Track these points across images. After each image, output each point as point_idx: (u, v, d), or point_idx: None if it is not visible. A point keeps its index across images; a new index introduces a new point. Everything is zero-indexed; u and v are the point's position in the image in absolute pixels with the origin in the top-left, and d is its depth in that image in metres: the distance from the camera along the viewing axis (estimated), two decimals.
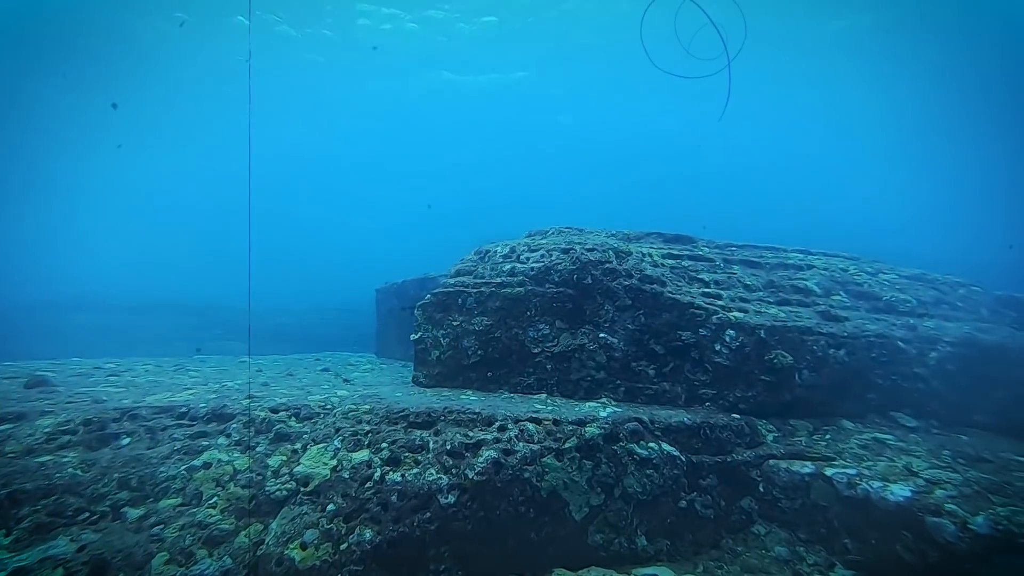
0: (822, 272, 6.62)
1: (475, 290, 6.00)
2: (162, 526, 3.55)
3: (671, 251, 6.56)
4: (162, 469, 3.99)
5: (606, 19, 29.59)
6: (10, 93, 30.46)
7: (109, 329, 19.48)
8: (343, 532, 3.49)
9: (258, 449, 4.26)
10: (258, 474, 3.99)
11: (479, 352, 5.82)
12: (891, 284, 6.70)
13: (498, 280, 6.04)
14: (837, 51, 30.03)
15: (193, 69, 32.58)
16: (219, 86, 34.81)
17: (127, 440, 4.34)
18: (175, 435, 4.41)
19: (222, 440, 4.36)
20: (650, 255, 6.19)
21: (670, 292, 5.54)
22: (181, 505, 3.75)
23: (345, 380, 6.61)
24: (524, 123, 44.62)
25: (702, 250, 6.83)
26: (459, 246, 7.34)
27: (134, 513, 3.66)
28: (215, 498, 3.81)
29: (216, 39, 29.73)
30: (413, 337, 6.18)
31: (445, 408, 4.41)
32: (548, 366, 5.60)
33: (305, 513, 3.64)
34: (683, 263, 6.29)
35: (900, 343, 5.45)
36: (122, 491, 3.81)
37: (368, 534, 3.46)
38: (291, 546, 3.39)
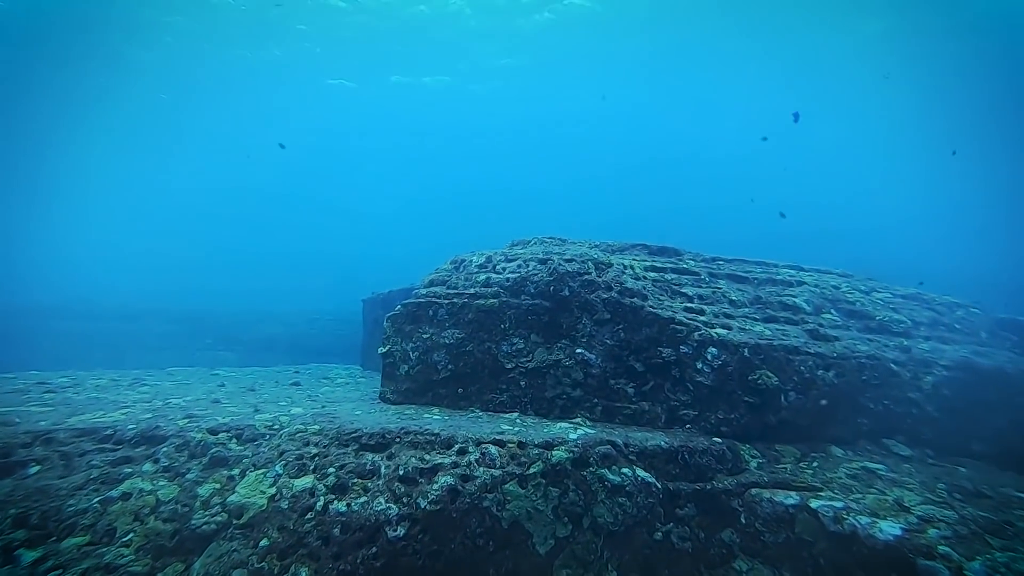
0: (812, 289, 6.33)
1: (447, 301, 5.70)
2: (60, 571, 3.14)
3: (654, 263, 6.27)
4: (71, 502, 3.56)
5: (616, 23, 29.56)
6: None
7: (97, 338, 19.08)
8: (276, 571, 3.15)
9: (188, 476, 3.85)
10: (184, 505, 3.60)
11: (450, 367, 5.51)
12: (885, 303, 6.42)
13: (472, 291, 5.74)
14: (844, 58, 29.95)
15: (188, 76, 32.35)
16: (215, 94, 34.67)
17: (35, 468, 3.89)
18: (93, 461, 3.97)
19: (148, 466, 3.95)
20: (632, 267, 5.90)
21: (651, 306, 5.24)
22: (88, 544, 3.33)
23: (309, 396, 6.26)
24: (528, 130, 44.53)
25: (687, 263, 6.54)
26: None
27: (29, 556, 3.22)
28: (130, 535, 3.41)
29: (213, 43, 29.55)
30: (381, 350, 5.87)
31: (401, 429, 4.08)
32: (522, 383, 5.29)
33: (235, 550, 3.29)
34: (666, 276, 6.00)
35: (893, 365, 5.16)
36: (18, 530, 3.36)
37: (304, 573, 3.12)
38: None
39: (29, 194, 44.15)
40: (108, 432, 4.33)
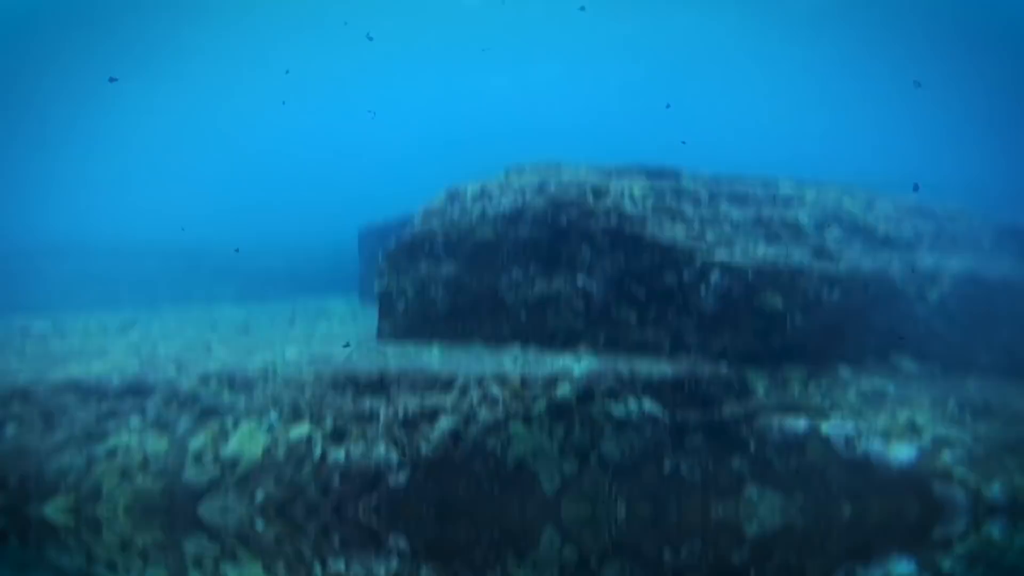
0: (814, 205, 6.11)
1: (443, 235, 5.49)
2: (48, 534, 3.06)
3: (653, 187, 6.01)
4: (53, 462, 3.42)
5: None
6: None
7: (89, 276, 18.75)
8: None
9: (178, 428, 3.71)
10: (175, 460, 3.49)
11: (448, 302, 5.37)
12: (887, 216, 6.21)
13: (468, 223, 5.52)
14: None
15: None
16: (211, 19, 33.14)
17: (12, 428, 3.71)
18: (76, 417, 3.78)
19: (135, 420, 3.77)
20: (630, 192, 5.65)
21: (651, 232, 5.05)
22: (73, 506, 3.23)
23: (305, 335, 6.14)
24: (530, 51, 42.97)
25: (687, 184, 6.28)
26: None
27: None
28: (117, 494, 3.30)
29: None
30: (377, 288, 5.70)
31: (400, 369, 3.96)
32: (522, 315, 5.16)
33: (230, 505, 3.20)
34: (666, 200, 5.75)
35: (898, 281, 5.02)
36: None
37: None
38: None
39: (14, 129, 42.74)
40: (92, 385, 4.10)
